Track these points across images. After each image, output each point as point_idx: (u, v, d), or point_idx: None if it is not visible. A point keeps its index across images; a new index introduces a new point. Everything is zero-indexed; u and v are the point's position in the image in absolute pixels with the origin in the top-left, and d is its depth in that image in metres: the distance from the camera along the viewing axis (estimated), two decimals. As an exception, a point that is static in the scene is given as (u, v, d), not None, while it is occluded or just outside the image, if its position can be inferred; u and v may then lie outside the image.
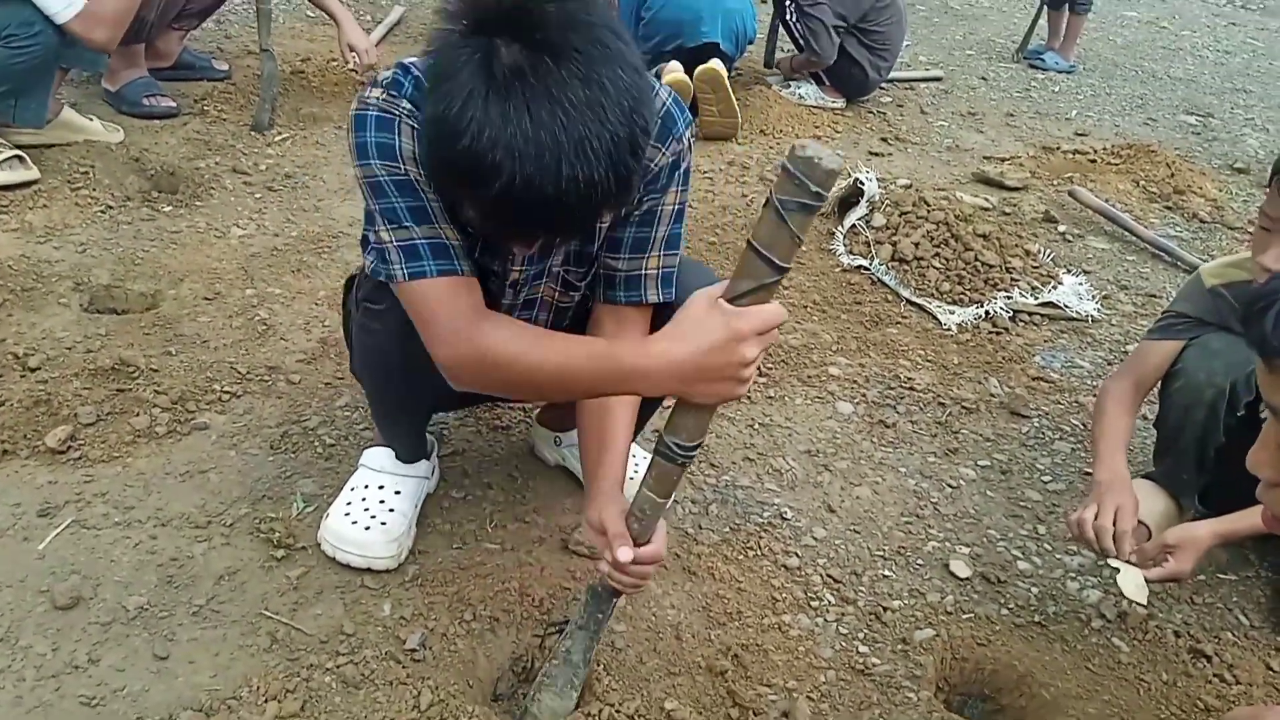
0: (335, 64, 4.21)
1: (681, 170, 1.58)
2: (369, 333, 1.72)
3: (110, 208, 2.98)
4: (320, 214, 3.15)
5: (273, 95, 3.68)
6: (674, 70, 4.09)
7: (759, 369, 1.89)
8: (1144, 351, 2.15)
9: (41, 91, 2.96)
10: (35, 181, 2.98)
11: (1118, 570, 1.98)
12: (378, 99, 1.43)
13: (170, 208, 3.05)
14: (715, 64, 4.10)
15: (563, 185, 1.19)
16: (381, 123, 1.42)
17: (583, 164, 1.19)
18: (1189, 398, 2.03)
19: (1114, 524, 1.87)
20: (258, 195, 3.22)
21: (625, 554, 1.41)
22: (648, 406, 1.94)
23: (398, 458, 1.92)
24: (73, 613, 1.68)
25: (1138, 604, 1.98)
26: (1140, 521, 1.97)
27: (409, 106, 1.42)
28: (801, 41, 4.66)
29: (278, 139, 3.61)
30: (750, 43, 4.61)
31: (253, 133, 3.62)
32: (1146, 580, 1.96)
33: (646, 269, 1.66)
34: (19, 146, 3.00)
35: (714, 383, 1.26)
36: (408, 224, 1.43)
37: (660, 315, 1.72)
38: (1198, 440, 2.06)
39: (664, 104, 1.52)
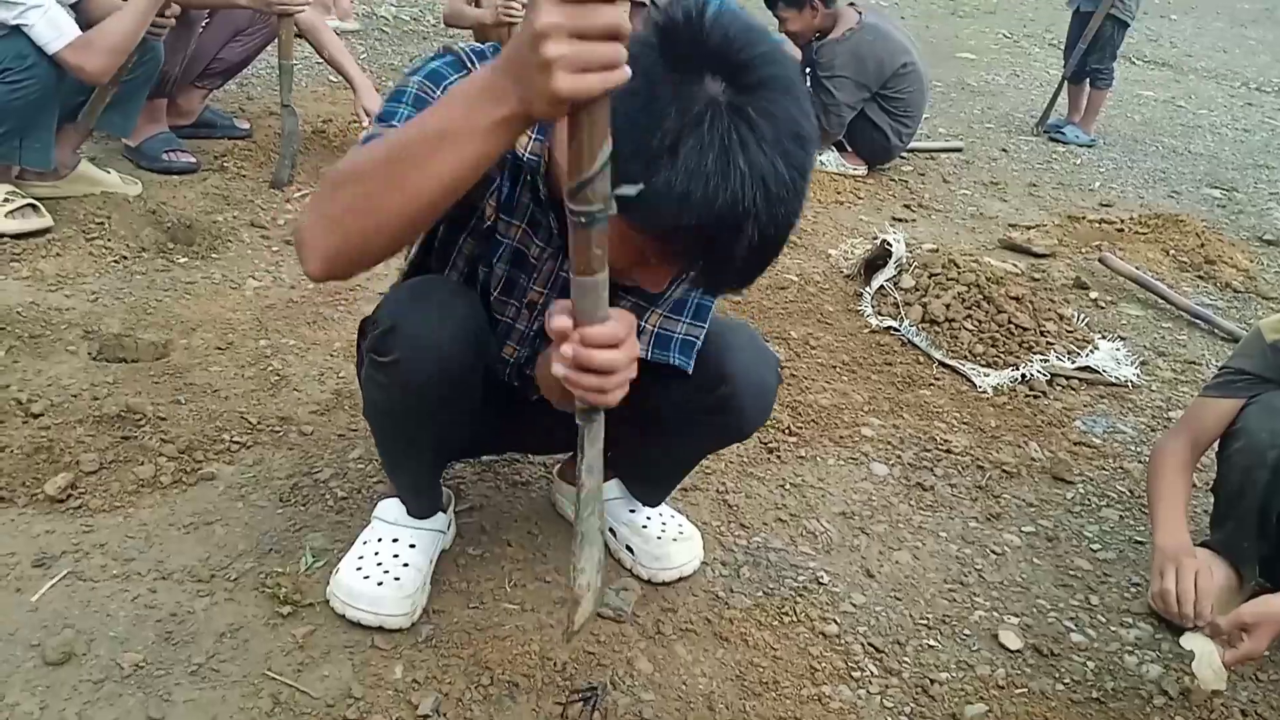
0: (355, 125, 4.21)
1: None
2: (375, 385, 1.62)
3: (124, 258, 2.92)
4: (338, 268, 3.07)
5: (293, 152, 3.65)
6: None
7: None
8: (1200, 409, 2.04)
9: (44, 131, 2.91)
10: (49, 229, 2.93)
11: (1192, 654, 1.85)
12: (466, 49, 1.44)
13: (185, 259, 2.99)
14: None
15: (779, 232, 1.19)
16: (454, 63, 1.42)
17: (794, 201, 1.18)
18: (1250, 459, 1.92)
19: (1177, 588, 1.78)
20: (275, 249, 3.16)
21: (561, 319, 1.14)
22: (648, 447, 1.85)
23: (409, 513, 1.82)
24: (64, 669, 1.57)
25: (1216, 690, 1.83)
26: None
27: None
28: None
29: (297, 195, 3.57)
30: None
31: (272, 189, 3.58)
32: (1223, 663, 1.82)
33: (678, 332, 1.64)
34: (35, 199, 2.95)
35: (521, 79, 1.00)
36: (393, 125, 1.35)
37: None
38: (1260, 505, 1.94)
39: None
